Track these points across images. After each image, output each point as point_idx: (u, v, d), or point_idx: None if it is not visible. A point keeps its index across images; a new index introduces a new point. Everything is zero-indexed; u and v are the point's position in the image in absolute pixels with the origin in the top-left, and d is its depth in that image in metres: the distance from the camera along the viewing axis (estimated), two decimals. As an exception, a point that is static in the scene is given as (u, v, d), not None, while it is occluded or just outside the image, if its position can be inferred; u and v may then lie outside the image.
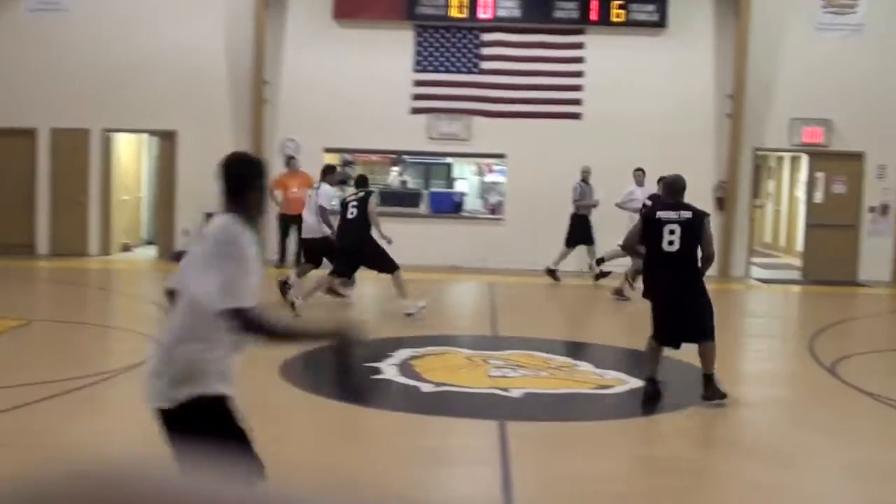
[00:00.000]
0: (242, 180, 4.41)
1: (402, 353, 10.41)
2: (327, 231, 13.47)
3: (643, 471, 7.10)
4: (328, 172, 14.15)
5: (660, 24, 19.27)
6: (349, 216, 12.96)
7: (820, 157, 19.85)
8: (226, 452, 4.05)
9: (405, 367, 9.82)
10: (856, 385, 9.86)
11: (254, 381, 9.29)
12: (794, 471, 7.19)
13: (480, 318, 13.96)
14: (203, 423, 4.14)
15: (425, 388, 9.06)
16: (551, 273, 17.17)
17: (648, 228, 8.77)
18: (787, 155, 23.29)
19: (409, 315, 12.66)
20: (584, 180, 17.93)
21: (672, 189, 9.02)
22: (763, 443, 8.01)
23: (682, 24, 19.31)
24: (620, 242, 9.83)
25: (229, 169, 4.43)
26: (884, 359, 11.66)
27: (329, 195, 13.79)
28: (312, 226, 13.61)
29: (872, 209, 19.71)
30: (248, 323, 4.07)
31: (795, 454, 7.68)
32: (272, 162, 19.35)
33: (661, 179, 10.88)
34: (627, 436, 7.96)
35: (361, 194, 13.22)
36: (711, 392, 8.60)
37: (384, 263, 12.87)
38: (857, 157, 19.69)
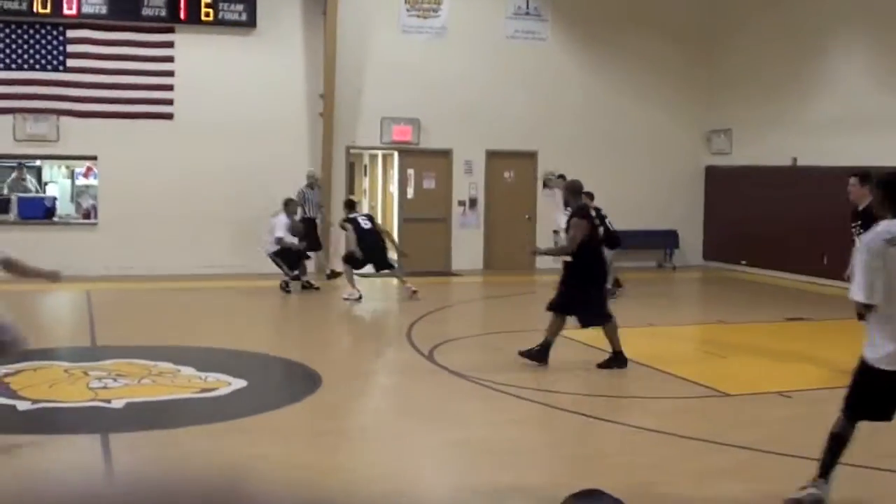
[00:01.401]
0: None
1: (-6, 371, 9.91)
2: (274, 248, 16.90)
3: (254, 471, 7.20)
4: (289, 204, 17.14)
5: (249, 23, 19.40)
6: (366, 227, 16.27)
7: (410, 154, 20.84)
8: None
9: (-2, 385, 9.36)
10: (451, 368, 10.55)
11: None
12: (398, 455, 7.60)
13: (78, 328, 13.51)
14: None
15: (22, 405, 8.69)
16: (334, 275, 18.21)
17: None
18: (379, 152, 24.19)
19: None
20: (311, 185, 18.23)
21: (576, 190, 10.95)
22: (369, 432, 8.41)
23: (271, 24, 19.54)
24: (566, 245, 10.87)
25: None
26: (477, 342, 12.48)
27: (284, 224, 16.80)
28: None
29: (461, 203, 21.03)
30: None
31: (400, 439, 8.11)
32: None
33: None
34: (232, 437, 8.02)
35: (366, 212, 18.27)
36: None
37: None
38: (445, 153, 20.88)
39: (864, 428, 6.14)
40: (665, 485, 6.80)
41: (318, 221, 18.54)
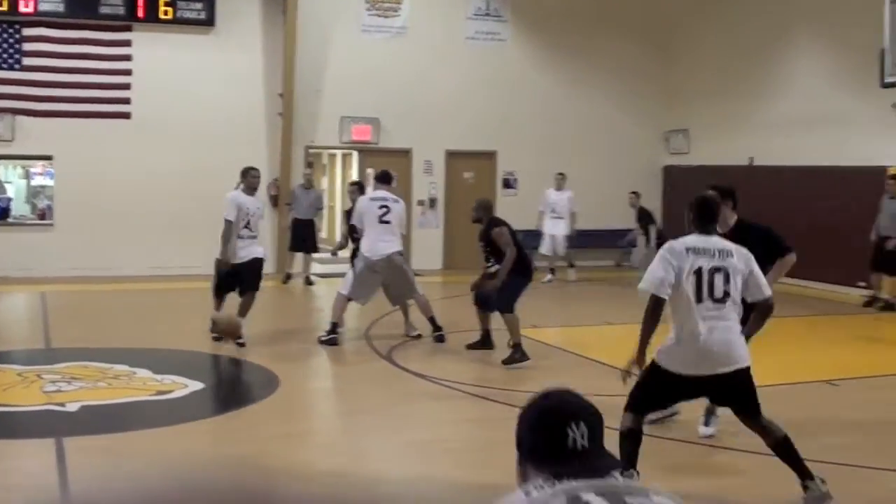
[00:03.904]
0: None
1: (-54, 375, 9.78)
2: None
3: (215, 473, 7.13)
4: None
5: (208, 22, 19.28)
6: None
7: (370, 153, 20.79)
8: None
9: (-50, 390, 9.23)
10: (410, 369, 10.55)
11: None
12: (357, 455, 7.56)
13: (33, 330, 13.35)
14: None
15: (-26, 410, 8.57)
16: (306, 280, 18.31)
17: None
18: (339, 152, 24.13)
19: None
20: (304, 185, 18.62)
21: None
22: (328, 433, 8.37)
23: (230, 23, 19.43)
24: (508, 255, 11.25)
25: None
26: (433, 342, 12.44)
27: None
28: None
29: (421, 202, 21.02)
30: None
31: (359, 440, 8.08)
32: None
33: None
34: (188, 440, 7.95)
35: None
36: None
37: None
38: (404, 153, 20.86)
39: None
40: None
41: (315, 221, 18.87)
